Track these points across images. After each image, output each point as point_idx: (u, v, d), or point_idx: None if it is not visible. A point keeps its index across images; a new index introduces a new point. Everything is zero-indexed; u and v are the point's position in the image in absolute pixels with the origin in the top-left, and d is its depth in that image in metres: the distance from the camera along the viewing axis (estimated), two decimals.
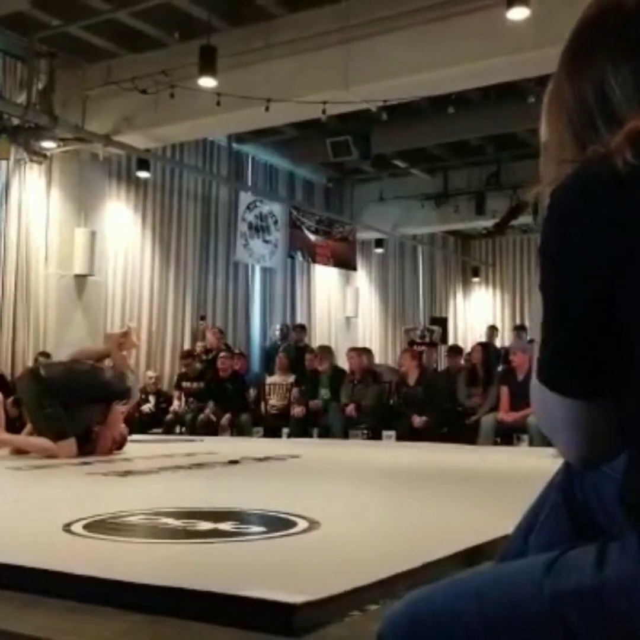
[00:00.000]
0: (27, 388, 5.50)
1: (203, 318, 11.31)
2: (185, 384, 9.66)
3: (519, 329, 11.87)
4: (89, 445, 5.30)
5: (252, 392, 9.62)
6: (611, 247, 0.79)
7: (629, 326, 0.79)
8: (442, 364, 12.19)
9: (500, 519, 1.67)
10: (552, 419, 0.87)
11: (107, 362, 5.82)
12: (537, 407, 0.88)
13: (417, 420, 8.00)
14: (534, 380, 0.87)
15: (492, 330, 12.83)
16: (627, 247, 0.78)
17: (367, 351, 9.47)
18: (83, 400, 5.31)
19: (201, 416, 9.06)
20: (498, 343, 12.23)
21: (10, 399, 6.18)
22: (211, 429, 8.82)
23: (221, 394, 9.09)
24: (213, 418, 8.89)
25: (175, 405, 9.58)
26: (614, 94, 0.88)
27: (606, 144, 0.82)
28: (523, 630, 0.79)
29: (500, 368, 8.58)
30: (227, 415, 8.91)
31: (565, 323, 0.83)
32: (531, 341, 7.60)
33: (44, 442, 5.16)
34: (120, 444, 5.65)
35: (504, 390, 7.50)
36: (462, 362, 9.39)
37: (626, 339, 0.79)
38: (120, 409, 5.42)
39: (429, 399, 8.20)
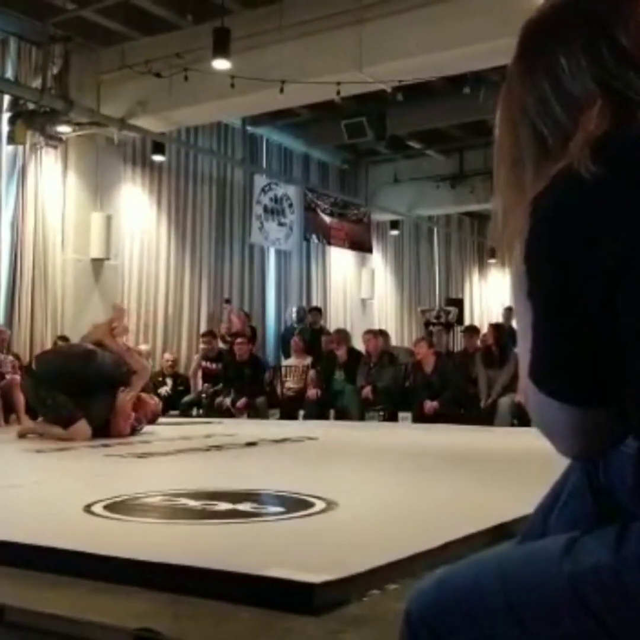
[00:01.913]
0: (26, 385, 5.53)
1: (228, 301, 11.31)
2: (204, 364, 9.68)
3: None
4: (105, 431, 5.29)
5: (268, 375, 9.64)
6: (604, 255, 0.77)
7: (627, 331, 0.78)
8: (458, 345, 12.17)
9: (519, 500, 1.67)
10: (547, 418, 0.86)
11: None
12: (531, 405, 0.87)
13: (428, 406, 8.00)
14: (529, 381, 0.85)
15: (509, 311, 12.77)
16: (620, 254, 0.76)
17: (383, 333, 9.46)
18: (82, 386, 5.21)
19: (218, 399, 9.09)
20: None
21: None
22: (228, 413, 8.86)
23: (239, 378, 9.11)
24: (232, 410, 8.90)
25: (200, 385, 9.66)
26: (573, 86, 0.87)
27: (568, 152, 0.82)
28: (545, 610, 0.80)
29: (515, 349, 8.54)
30: (243, 399, 8.94)
31: (561, 331, 0.81)
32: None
33: (57, 430, 5.15)
34: (151, 419, 5.66)
35: None
36: (479, 343, 9.35)
37: (625, 345, 0.78)
38: (126, 397, 5.31)
39: (444, 386, 8.17)
